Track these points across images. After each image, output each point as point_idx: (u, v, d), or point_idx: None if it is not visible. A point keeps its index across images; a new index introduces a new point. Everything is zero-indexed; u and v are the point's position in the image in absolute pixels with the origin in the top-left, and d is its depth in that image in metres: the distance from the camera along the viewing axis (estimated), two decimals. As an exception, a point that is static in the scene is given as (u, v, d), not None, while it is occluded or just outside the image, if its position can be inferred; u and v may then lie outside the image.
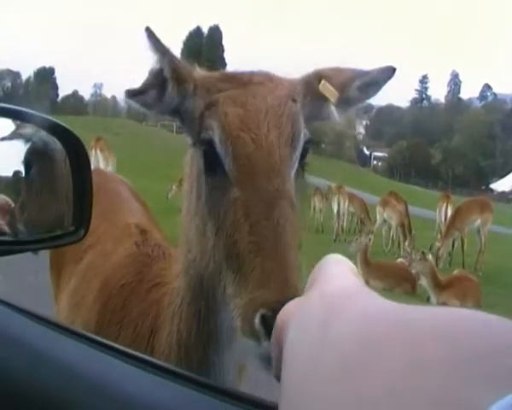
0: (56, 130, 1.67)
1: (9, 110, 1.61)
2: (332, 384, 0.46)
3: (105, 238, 2.51)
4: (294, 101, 1.53)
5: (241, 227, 1.33)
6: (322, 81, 1.61)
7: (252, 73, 1.57)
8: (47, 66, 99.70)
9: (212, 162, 1.45)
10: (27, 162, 1.74)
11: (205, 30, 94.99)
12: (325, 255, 0.79)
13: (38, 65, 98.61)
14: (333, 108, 1.64)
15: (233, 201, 1.37)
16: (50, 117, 1.71)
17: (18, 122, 1.69)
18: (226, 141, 1.41)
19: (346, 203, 19.54)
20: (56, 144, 1.71)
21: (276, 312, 1.16)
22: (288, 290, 1.20)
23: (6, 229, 1.65)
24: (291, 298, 1.17)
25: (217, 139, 1.42)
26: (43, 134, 1.74)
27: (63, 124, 1.67)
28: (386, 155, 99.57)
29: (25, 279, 7.32)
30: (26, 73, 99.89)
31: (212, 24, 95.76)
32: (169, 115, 1.67)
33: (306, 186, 1.59)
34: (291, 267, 1.26)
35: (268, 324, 1.16)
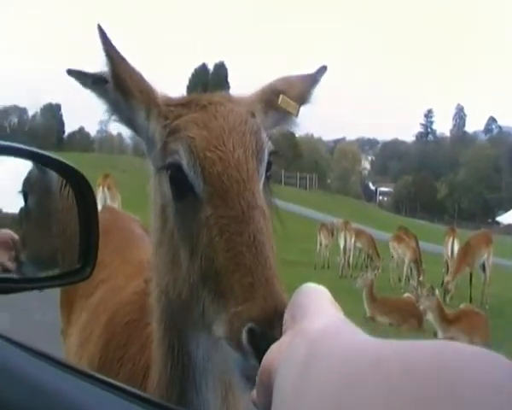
0: (61, 168, 1.69)
1: (11, 148, 1.61)
2: None
3: (117, 274, 2.52)
4: (254, 116, 1.59)
5: (217, 245, 1.34)
6: (281, 97, 1.67)
7: (210, 95, 1.63)
8: (53, 102, 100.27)
9: (180, 187, 1.47)
10: (25, 196, 1.75)
11: (210, 67, 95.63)
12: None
13: (45, 101, 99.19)
14: (294, 118, 1.73)
15: (205, 220, 1.38)
16: (54, 155, 1.73)
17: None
18: (194, 163, 1.43)
19: (353, 239, 19.35)
20: (54, 179, 1.72)
21: (263, 325, 1.17)
22: (273, 301, 1.21)
23: (10, 265, 1.66)
24: (276, 308, 1.19)
25: (184, 163, 1.45)
26: (42, 170, 1.75)
27: (67, 161, 1.68)
28: (391, 190, 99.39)
29: (31, 317, 7.30)
30: (33, 109, 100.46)
31: (217, 61, 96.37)
32: (127, 126, 1.69)
33: (273, 197, 1.61)
34: (271, 278, 1.27)
35: (255, 338, 1.17)
